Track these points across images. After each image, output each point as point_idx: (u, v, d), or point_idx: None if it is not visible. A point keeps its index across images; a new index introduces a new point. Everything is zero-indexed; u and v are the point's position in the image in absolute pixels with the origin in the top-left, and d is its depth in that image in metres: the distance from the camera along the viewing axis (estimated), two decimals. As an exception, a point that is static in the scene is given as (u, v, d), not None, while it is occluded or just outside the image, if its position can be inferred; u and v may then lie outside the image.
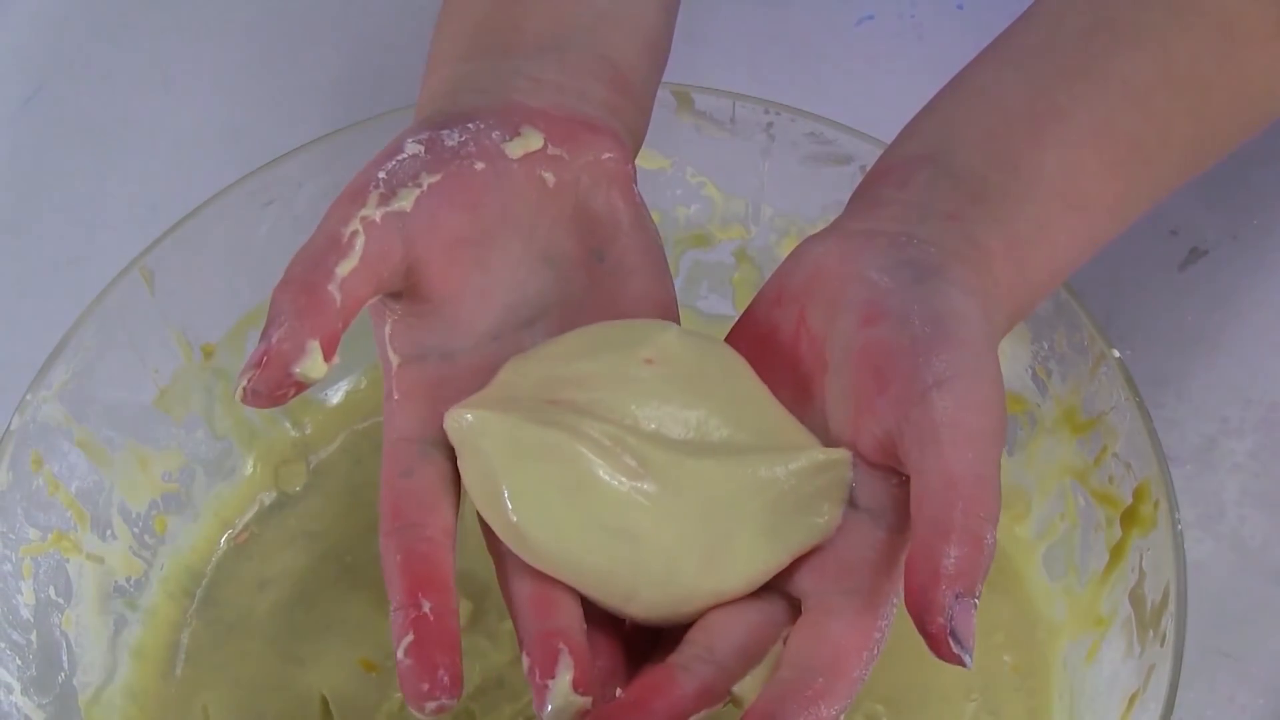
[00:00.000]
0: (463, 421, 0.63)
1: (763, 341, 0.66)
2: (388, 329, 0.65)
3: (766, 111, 0.83)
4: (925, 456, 0.57)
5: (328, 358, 0.59)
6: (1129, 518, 0.74)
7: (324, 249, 0.60)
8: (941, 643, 0.55)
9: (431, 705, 0.58)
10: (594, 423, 0.62)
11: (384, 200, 0.62)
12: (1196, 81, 0.71)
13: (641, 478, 0.61)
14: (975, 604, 0.55)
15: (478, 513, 0.64)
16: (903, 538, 0.60)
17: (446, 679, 0.58)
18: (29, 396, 0.77)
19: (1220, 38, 0.71)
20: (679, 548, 0.61)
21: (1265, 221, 0.95)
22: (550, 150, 0.66)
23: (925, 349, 0.59)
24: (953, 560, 0.55)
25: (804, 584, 0.61)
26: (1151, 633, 0.71)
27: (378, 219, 0.61)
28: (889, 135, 0.72)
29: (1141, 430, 0.73)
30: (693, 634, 0.61)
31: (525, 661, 0.60)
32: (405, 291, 0.64)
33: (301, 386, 0.58)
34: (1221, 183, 0.93)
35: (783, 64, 1.03)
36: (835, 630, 0.59)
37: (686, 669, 0.59)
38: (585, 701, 0.59)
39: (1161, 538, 0.71)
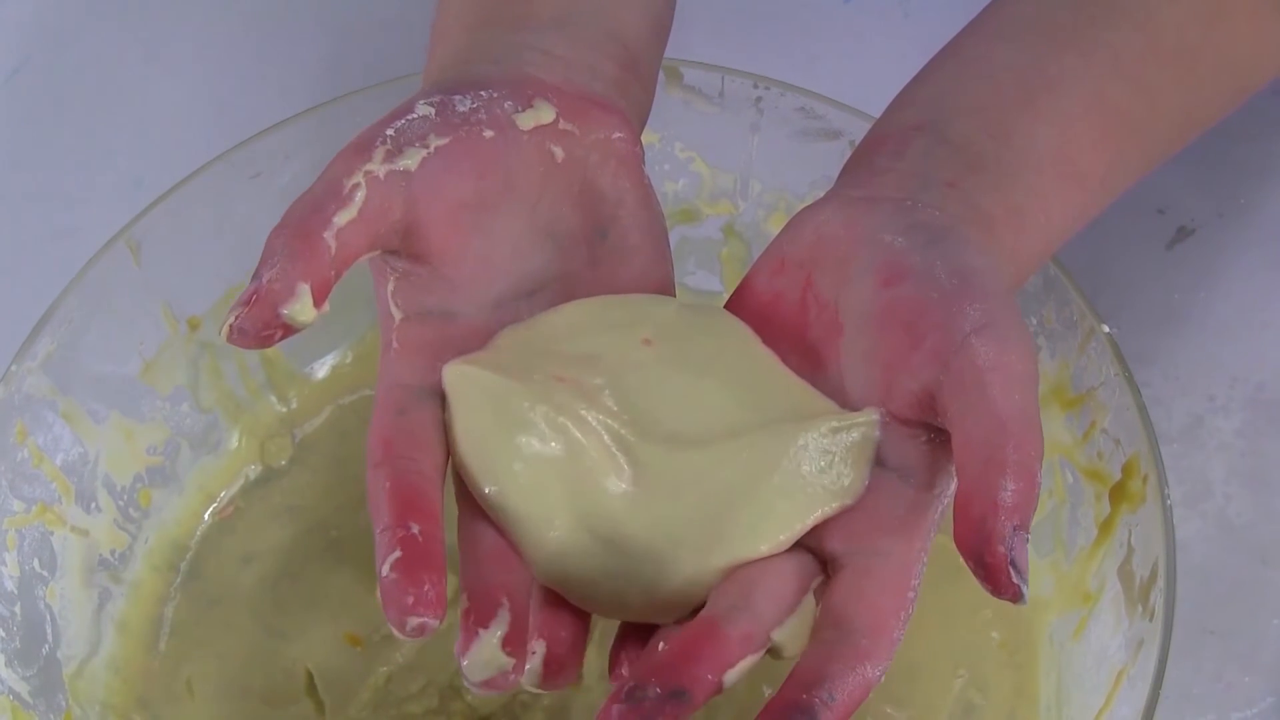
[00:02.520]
0: (463, 376, 0.63)
1: (766, 310, 0.66)
2: (391, 286, 0.65)
3: (755, 86, 0.83)
4: (971, 401, 0.57)
5: (318, 304, 0.58)
6: (1118, 493, 0.74)
7: (323, 197, 0.60)
8: (1001, 571, 0.55)
9: (414, 622, 0.57)
10: (597, 414, 0.61)
11: (390, 157, 0.62)
12: (1184, 52, 0.71)
13: (640, 481, 0.61)
14: (1028, 539, 0.55)
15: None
16: (931, 495, 0.60)
17: (432, 594, 0.57)
18: (14, 367, 0.76)
19: (1206, 8, 0.72)
20: (671, 552, 0.61)
21: (1252, 200, 0.95)
22: (561, 125, 0.66)
23: (957, 300, 0.59)
24: (1009, 493, 0.55)
25: (835, 544, 0.61)
26: (1140, 608, 0.71)
27: (381, 175, 0.61)
28: (877, 111, 0.72)
29: (1131, 405, 0.73)
30: (724, 587, 0.60)
31: (463, 602, 0.59)
32: (404, 251, 0.63)
33: (289, 330, 0.58)
34: (1208, 161, 0.93)
35: (770, 41, 1.03)
36: (872, 591, 0.59)
37: (726, 619, 0.58)
38: (508, 663, 0.58)
39: (1151, 513, 0.71)
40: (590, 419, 0.61)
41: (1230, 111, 0.76)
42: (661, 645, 0.58)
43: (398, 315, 0.65)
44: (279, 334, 0.58)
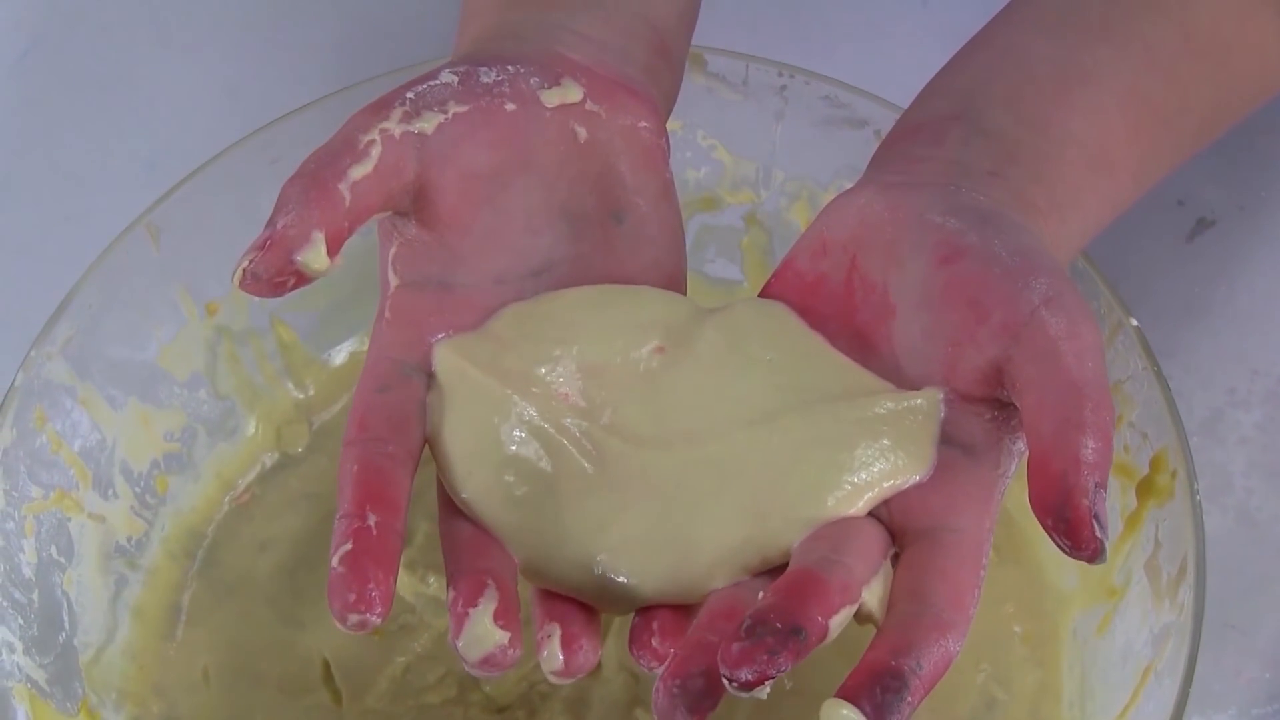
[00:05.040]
0: (458, 371, 0.63)
1: (808, 294, 0.66)
2: (393, 250, 0.65)
3: (780, 74, 0.83)
4: (1045, 370, 0.57)
5: (331, 253, 0.58)
6: (1145, 487, 0.74)
7: (339, 150, 0.61)
8: (1085, 525, 0.55)
9: (354, 619, 0.56)
10: (602, 435, 0.61)
11: (407, 118, 0.62)
12: (1216, 47, 0.71)
13: (642, 492, 0.61)
14: (1105, 497, 0.55)
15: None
16: (998, 473, 0.60)
17: (376, 594, 0.57)
18: (33, 353, 0.76)
19: (1239, 3, 0.71)
20: (697, 538, 0.60)
21: (1273, 192, 0.94)
22: (588, 106, 0.66)
23: (1022, 275, 0.59)
24: (1091, 450, 0.55)
25: (908, 519, 0.60)
26: (1168, 604, 0.70)
27: (397, 134, 0.61)
28: (898, 101, 0.71)
29: (1159, 399, 0.72)
30: (809, 543, 0.60)
31: (450, 595, 0.59)
32: (414, 215, 0.64)
33: (302, 278, 0.58)
34: (1228, 153, 0.93)
35: (787, 29, 1.02)
36: (949, 566, 0.58)
37: (821, 568, 0.58)
38: (503, 636, 0.58)
39: (1179, 508, 0.71)
40: (589, 443, 0.61)
41: (1256, 107, 0.75)
42: (762, 594, 0.57)
43: (394, 281, 0.65)
44: (291, 281, 0.58)
